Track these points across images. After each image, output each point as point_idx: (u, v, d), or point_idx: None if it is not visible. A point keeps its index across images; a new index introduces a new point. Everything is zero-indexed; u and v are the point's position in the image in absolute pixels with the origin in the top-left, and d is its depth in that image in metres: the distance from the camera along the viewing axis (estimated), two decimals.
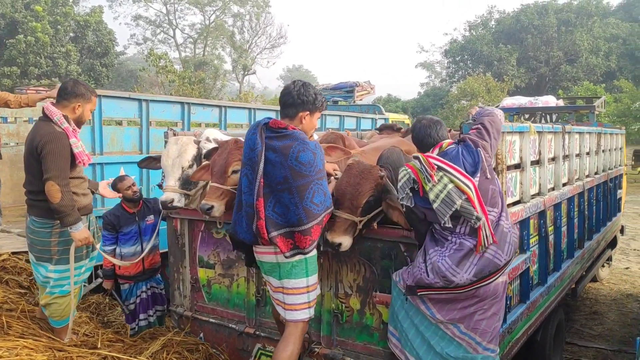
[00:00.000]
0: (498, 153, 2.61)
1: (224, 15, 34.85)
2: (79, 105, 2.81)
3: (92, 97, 2.89)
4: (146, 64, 23.60)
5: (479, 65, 31.97)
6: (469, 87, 25.25)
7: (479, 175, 2.11)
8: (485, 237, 2.07)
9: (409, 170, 2.16)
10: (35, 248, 2.84)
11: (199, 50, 34.65)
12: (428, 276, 2.12)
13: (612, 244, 5.90)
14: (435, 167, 2.10)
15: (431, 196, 2.08)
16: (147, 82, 25.65)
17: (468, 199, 2.04)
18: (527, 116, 7.96)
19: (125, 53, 33.68)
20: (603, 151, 5.13)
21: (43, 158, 2.65)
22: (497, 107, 9.23)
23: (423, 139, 2.28)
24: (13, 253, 3.92)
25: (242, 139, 2.96)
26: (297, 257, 2.30)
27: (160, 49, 32.02)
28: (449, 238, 2.15)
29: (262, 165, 2.23)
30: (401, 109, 28.61)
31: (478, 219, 2.05)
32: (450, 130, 2.34)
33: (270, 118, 2.37)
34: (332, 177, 2.60)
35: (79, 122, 2.87)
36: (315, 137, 2.96)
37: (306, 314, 2.36)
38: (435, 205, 2.08)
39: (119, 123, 5.29)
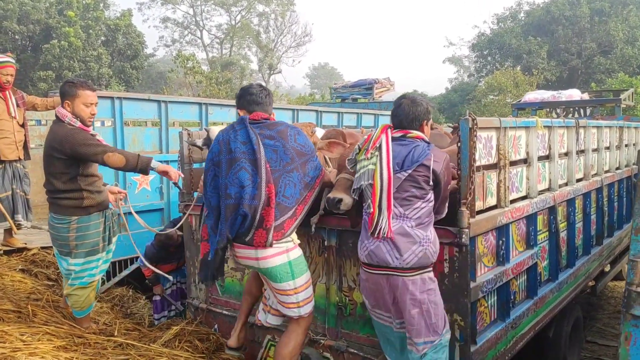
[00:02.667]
0: (500, 148, 2.61)
1: (250, 15, 35.29)
2: (67, 104, 2.90)
3: (78, 91, 2.89)
4: (174, 65, 24.25)
5: (507, 59, 31.04)
6: (496, 81, 24.60)
7: (409, 172, 2.13)
8: (375, 225, 2.14)
9: (365, 137, 2.28)
10: (57, 242, 3.01)
11: (226, 50, 35.25)
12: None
13: None
14: (377, 146, 2.19)
15: (358, 166, 2.25)
16: (175, 84, 26.30)
17: (372, 185, 2.15)
18: (558, 110, 7.74)
19: (155, 55, 34.63)
20: (626, 146, 4.95)
21: (79, 154, 2.80)
22: (519, 101, 9.04)
23: (392, 117, 2.31)
24: (42, 248, 4.17)
25: None
26: (282, 257, 2.32)
27: (188, 50, 32.77)
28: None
29: (263, 152, 2.28)
30: None
31: (369, 206, 2.16)
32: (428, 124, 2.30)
33: (245, 117, 2.44)
34: (331, 168, 2.67)
35: (81, 120, 2.93)
36: (319, 133, 3.03)
37: (295, 312, 2.41)
38: (357, 174, 2.24)
39: (141, 124, 5.51)
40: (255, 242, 2.28)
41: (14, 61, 4.25)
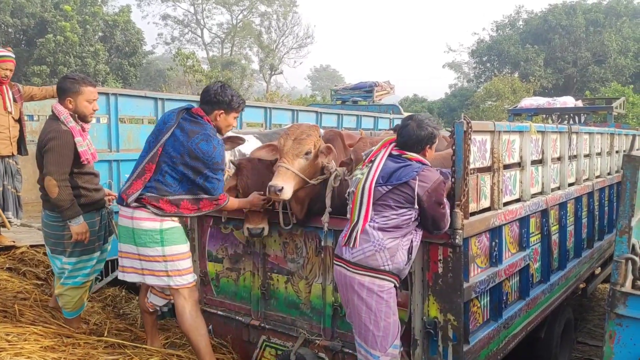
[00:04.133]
0: (494, 151, 2.65)
1: (251, 15, 35.23)
2: (69, 100, 2.87)
3: (81, 87, 2.88)
4: (174, 63, 24.12)
5: (505, 66, 31.36)
6: (494, 87, 24.82)
7: (389, 187, 2.17)
8: (350, 234, 2.21)
9: (372, 150, 2.38)
10: (50, 241, 2.96)
11: (227, 49, 35.16)
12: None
13: None
14: (372, 159, 2.28)
15: (353, 172, 2.39)
16: (174, 82, 26.16)
17: (354, 193, 2.24)
18: (554, 117, 7.86)
19: (154, 52, 34.41)
20: (617, 152, 5.04)
21: (44, 154, 2.77)
22: (515, 107, 9.15)
23: (397, 135, 2.35)
24: (31, 246, 4.03)
25: (243, 136, 3.08)
26: (154, 223, 2.51)
27: (188, 48, 32.58)
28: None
29: (166, 137, 2.52)
30: (427, 110, 28.31)
31: (347, 211, 2.26)
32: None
33: (193, 106, 2.65)
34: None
35: (82, 117, 2.92)
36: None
37: (165, 281, 2.58)
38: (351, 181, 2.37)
39: (137, 121, 5.48)
40: (127, 204, 2.51)
41: (13, 56, 4.18)
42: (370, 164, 2.27)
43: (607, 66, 28.06)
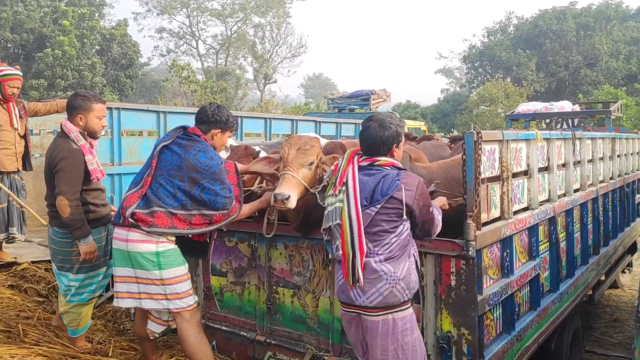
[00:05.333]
0: (503, 160, 2.63)
1: (245, 26, 35.58)
2: (80, 118, 2.90)
3: (93, 104, 2.92)
4: (169, 74, 24.21)
5: (498, 71, 31.66)
6: (487, 92, 25.01)
7: (378, 206, 1.97)
8: (352, 271, 1.97)
9: (332, 168, 2.15)
10: (57, 258, 2.95)
11: (221, 60, 35.39)
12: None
13: (632, 249, 5.75)
14: (344, 181, 2.03)
15: (326, 202, 2.12)
16: (170, 92, 26.25)
17: (340, 226, 2.01)
18: (547, 121, 7.90)
19: (150, 64, 34.67)
20: (618, 156, 5.04)
21: (56, 173, 2.79)
22: (512, 112, 9.18)
23: (360, 141, 2.14)
24: (32, 262, 4.03)
25: (254, 147, 3.07)
26: (150, 246, 2.46)
27: (183, 59, 32.81)
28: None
29: (163, 151, 2.55)
30: (420, 115, 28.46)
31: (337, 248, 2.01)
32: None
33: (189, 125, 2.69)
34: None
35: (92, 133, 2.95)
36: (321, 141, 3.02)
37: (164, 305, 2.53)
38: (325, 212, 2.11)
39: (139, 134, 5.48)
40: (125, 220, 2.47)
41: (21, 74, 4.25)
42: (343, 187, 2.03)
43: (598, 69, 28.41)
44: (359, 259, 1.97)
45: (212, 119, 2.66)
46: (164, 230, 2.48)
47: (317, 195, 2.24)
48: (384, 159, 2.07)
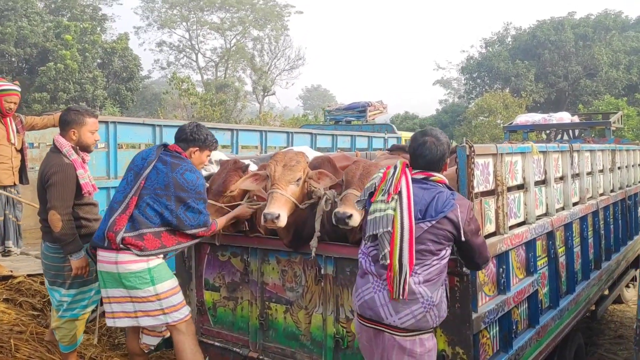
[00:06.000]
0: (497, 174, 2.59)
1: (244, 39, 36.02)
2: (73, 132, 2.90)
3: (86, 119, 2.93)
4: (169, 87, 24.44)
5: (496, 82, 31.80)
6: (486, 103, 25.08)
7: (433, 223, 1.90)
8: (398, 284, 1.89)
9: (381, 175, 2.05)
10: (50, 273, 2.94)
11: (220, 72, 35.74)
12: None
13: (636, 263, 5.66)
14: (399, 190, 1.95)
15: (372, 207, 2.00)
16: (170, 105, 26.47)
17: (391, 234, 1.91)
18: (548, 132, 7.87)
19: (150, 77, 35.11)
20: (619, 168, 4.99)
21: (48, 188, 2.79)
22: (511, 124, 9.16)
23: (415, 157, 2.06)
24: (28, 275, 4.04)
25: (244, 160, 3.06)
26: (141, 264, 2.47)
27: (183, 72, 33.19)
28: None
29: (148, 170, 2.55)
30: (419, 126, 28.54)
31: (385, 257, 1.91)
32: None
33: (168, 143, 2.72)
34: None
35: (84, 147, 2.96)
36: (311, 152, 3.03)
37: (162, 320, 2.54)
38: (369, 217, 2.00)
39: (135, 147, 5.49)
40: (112, 244, 2.47)
41: (19, 90, 4.29)
42: (397, 196, 1.94)
43: (598, 79, 28.47)
44: (407, 271, 1.88)
45: (190, 137, 2.70)
46: (155, 252, 2.51)
47: (356, 203, 2.16)
48: (438, 175, 2.02)
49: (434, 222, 1.90)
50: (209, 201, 2.77)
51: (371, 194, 2.04)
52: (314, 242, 2.52)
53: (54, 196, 2.76)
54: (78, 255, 2.81)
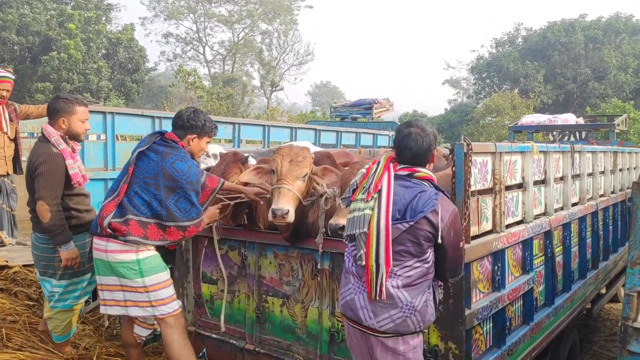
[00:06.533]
0: (495, 173, 2.59)
1: (253, 33, 35.79)
2: (63, 121, 2.84)
3: (75, 107, 2.87)
4: (176, 80, 24.39)
5: (505, 82, 31.59)
6: (494, 103, 24.96)
7: (411, 223, 1.82)
8: (375, 285, 1.83)
9: (364, 171, 1.98)
10: (40, 264, 2.91)
11: (228, 66, 35.60)
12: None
13: None
14: (379, 189, 1.88)
15: (352, 206, 1.95)
16: (176, 98, 26.41)
17: (367, 235, 1.85)
18: (554, 134, 7.83)
19: (156, 69, 34.90)
20: (620, 170, 4.98)
21: (35, 177, 2.73)
22: (516, 124, 9.13)
23: (400, 149, 1.95)
24: (24, 265, 3.99)
25: (242, 152, 3.06)
26: (130, 255, 2.45)
27: (190, 65, 32.96)
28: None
29: (139, 158, 2.51)
30: None
31: (361, 258, 1.86)
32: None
33: (166, 131, 2.64)
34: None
35: (74, 137, 2.89)
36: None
37: (150, 312, 2.53)
38: (349, 216, 1.96)
39: (134, 139, 5.49)
40: (103, 230, 2.46)
41: (12, 77, 4.22)
42: (377, 194, 1.87)
43: (607, 82, 28.24)
44: (383, 272, 1.82)
45: (187, 124, 2.61)
46: (138, 240, 2.46)
47: (341, 200, 2.12)
48: (424, 171, 1.92)
49: (412, 222, 1.82)
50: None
51: (354, 191, 1.99)
52: (319, 239, 2.51)
53: (41, 186, 2.70)
54: (67, 247, 2.76)
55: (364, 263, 1.86)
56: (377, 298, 1.84)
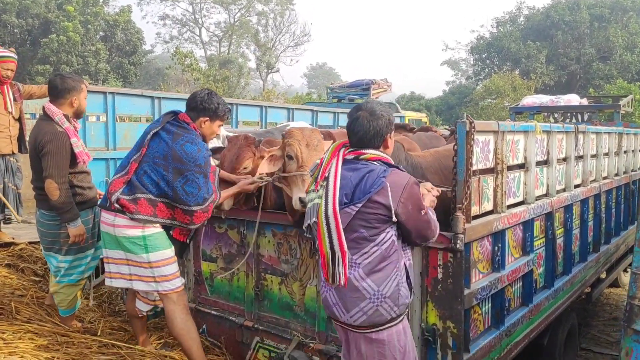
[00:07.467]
0: (498, 152, 2.55)
1: (249, 14, 35.27)
2: (75, 99, 2.91)
3: (82, 85, 2.96)
4: (172, 62, 24.19)
5: (506, 63, 31.15)
6: (494, 85, 24.68)
7: (359, 206, 1.75)
8: (333, 272, 1.77)
9: (318, 162, 1.95)
10: (46, 240, 2.97)
11: (224, 48, 35.23)
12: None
13: None
14: (326, 175, 1.83)
15: (308, 197, 1.92)
16: (173, 80, 26.26)
17: (316, 225, 1.80)
18: (556, 115, 7.73)
19: (153, 52, 34.70)
20: (625, 152, 4.92)
21: (43, 156, 2.77)
22: (517, 105, 9.00)
23: (349, 134, 1.88)
24: (30, 242, 4.11)
25: (252, 135, 3.02)
26: (136, 231, 2.46)
27: (187, 47, 32.77)
28: None
29: (149, 138, 2.50)
30: (425, 107, 28.20)
31: (316, 249, 1.82)
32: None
33: (180, 111, 2.62)
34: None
35: (79, 114, 2.97)
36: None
37: (153, 287, 2.57)
38: (306, 208, 1.92)
39: (134, 120, 5.47)
40: (111, 205, 2.47)
41: (15, 57, 4.24)
42: (324, 182, 1.83)
43: (612, 63, 27.75)
44: (339, 257, 1.75)
45: (200, 106, 2.60)
46: (147, 218, 2.49)
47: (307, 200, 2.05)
48: (371, 152, 1.84)
49: (359, 205, 1.75)
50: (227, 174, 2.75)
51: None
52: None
53: (49, 165, 2.75)
54: (75, 224, 2.83)
55: (319, 252, 1.81)
56: (340, 285, 1.78)
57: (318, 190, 1.84)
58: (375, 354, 1.84)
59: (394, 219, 1.77)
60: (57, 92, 2.90)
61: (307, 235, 1.96)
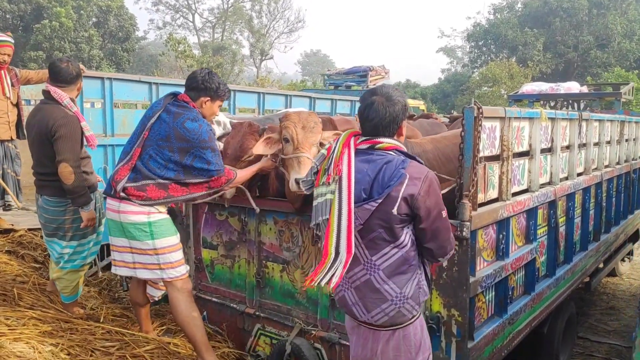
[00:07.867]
0: (504, 139, 2.52)
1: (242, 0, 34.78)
2: (81, 84, 2.95)
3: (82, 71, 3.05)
4: (166, 48, 23.89)
5: (502, 50, 30.94)
6: (490, 72, 24.56)
7: (379, 201, 1.62)
8: (327, 271, 1.64)
9: (324, 152, 1.80)
10: (50, 226, 2.94)
11: (218, 34, 34.79)
12: None
13: (634, 237, 5.67)
14: (340, 171, 1.66)
15: (316, 192, 1.76)
16: (166, 67, 25.97)
17: (327, 223, 1.67)
18: (552, 104, 7.70)
19: (146, 38, 34.29)
20: (626, 140, 4.90)
21: (56, 140, 2.74)
22: (516, 93, 8.95)
23: (363, 121, 1.73)
24: (29, 229, 4.08)
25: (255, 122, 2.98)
26: (141, 217, 2.44)
27: (180, 33, 32.33)
28: None
29: (153, 120, 2.47)
30: (420, 95, 28.09)
31: (320, 248, 1.71)
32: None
33: (180, 92, 2.59)
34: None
35: (72, 98, 2.95)
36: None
37: (158, 274, 2.53)
38: (314, 202, 1.76)
39: (131, 106, 5.38)
40: (116, 192, 2.45)
41: (12, 41, 4.18)
42: (337, 176, 1.67)
43: (610, 50, 27.58)
44: (342, 260, 1.63)
45: (201, 85, 2.56)
46: (160, 202, 2.46)
47: (301, 182, 1.94)
48: (387, 141, 1.69)
49: (379, 200, 1.62)
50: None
51: (317, 175, 1.79)
52: None
53: (63, 149, 2.72)
54: (88, 207, 2.84)
55: (323, 251, 1.68)
56: (328, 287, 1.67)
57: (330, 184, 1.69)
58: (390, 350, 1.80)
59: (415, 211, 1.65)
60: (70, 78, 2.88)
61: (318, 233, 1.82)
